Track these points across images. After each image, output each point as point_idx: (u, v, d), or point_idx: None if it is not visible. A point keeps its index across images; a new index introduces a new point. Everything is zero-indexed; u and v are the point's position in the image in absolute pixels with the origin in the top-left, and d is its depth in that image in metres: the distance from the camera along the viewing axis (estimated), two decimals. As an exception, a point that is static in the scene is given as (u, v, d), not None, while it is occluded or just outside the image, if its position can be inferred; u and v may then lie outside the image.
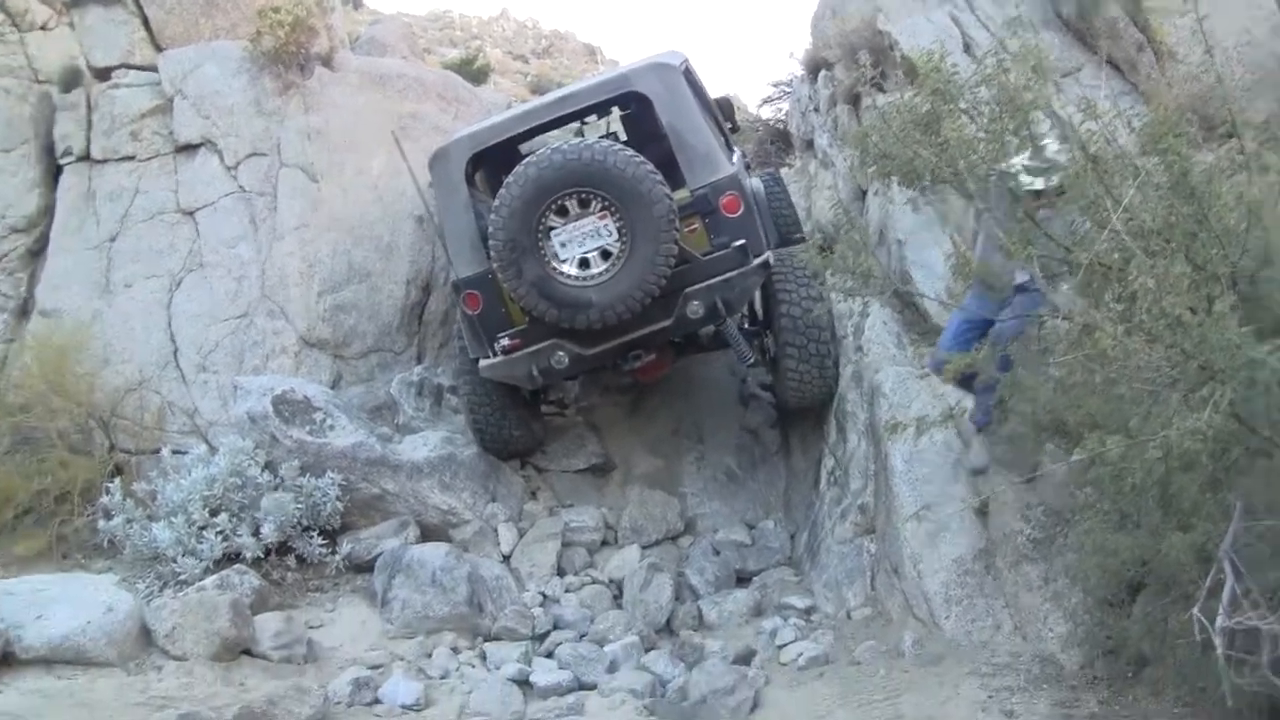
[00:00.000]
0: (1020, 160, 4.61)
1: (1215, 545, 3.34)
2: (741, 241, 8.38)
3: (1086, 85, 8.72)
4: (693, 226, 8.45)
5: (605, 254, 8.11)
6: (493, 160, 9.67)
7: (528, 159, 8.20)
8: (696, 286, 8.35)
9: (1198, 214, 3.01)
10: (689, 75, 9.26)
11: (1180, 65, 8.19)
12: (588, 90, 9.11)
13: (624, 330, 8.42)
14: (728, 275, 8.35)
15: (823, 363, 8.99)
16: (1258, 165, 3.18)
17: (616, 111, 11.06)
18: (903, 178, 3.62)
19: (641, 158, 8.09)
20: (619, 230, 8.04)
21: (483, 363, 8.83)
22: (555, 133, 10.07)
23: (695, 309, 8.36)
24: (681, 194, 8.39)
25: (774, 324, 9.14)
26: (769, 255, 8.75)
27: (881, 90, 10.33)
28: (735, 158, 9.42)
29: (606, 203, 8.02)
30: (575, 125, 10.67)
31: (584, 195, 8.04)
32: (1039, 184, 4.66)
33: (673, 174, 8.44)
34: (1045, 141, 4.52)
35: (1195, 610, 3.11)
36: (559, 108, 9.03)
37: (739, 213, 8.47)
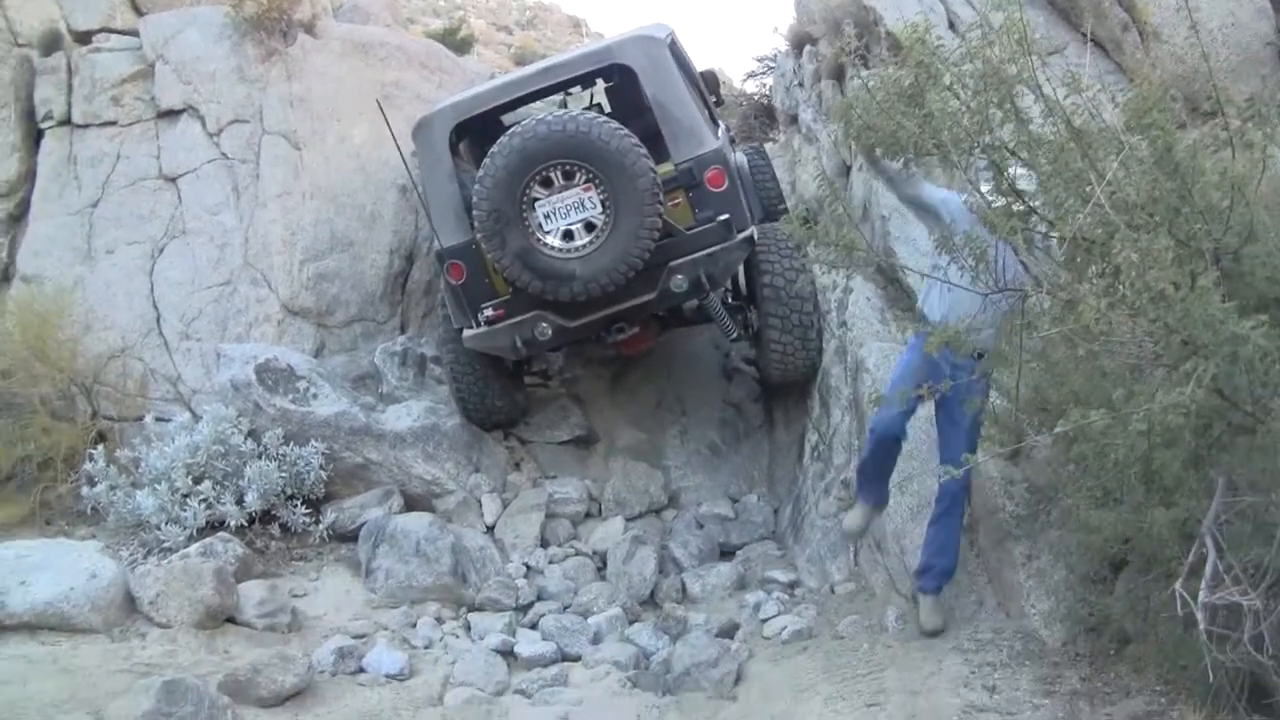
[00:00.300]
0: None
1: (1197, 521, 3.35)
2: (726, 216, 8.37)
3: (1071, 64, 8.70)
4: (676, 200, 8.44)
5: (589, 226, 8.10)
6: (476, 130, 9.63)
7: (512, 130, 8.17)
8: (680, 260, 8.35)
9: (1181, 189, 3.00)
10: (674, 48, 9.22)
11: (1165, 45, 8.18)
12: (572, 61, 9.07)
13: (608, 303, 8.42)
14: (712, 249, 8.34)
15: (806, 335, 9.00)
16: (1241, 142, 3.17)
17: (601, 83, 11.02)
18: (886, 150, 3.61)
19: (626, 130, 8.07)
20: (603, 203, 8.03)
21: (466, 333, 8.82)
22: (539, 104, 10.02)
23: (679, 283, 8.36)
24: (666, 167, 8.37)
25: (757, 298, 9.14)
26: (753, 230, 8.75)
27: (866, 65, 10.29)
28: (720, 132, 9.40)
29: (591, 175, 8.00)
30: (559, 97, 10.63)
31: (568, 167, 8.02)
32: None
33: (657, 147, 8.42)
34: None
35: (1177, 586, 3.12)
36: (543, 79, 9.00)
37: (723, 187, 8.46)
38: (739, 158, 9.84)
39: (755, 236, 8.77)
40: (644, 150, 8.01)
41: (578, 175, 8.04)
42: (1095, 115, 3.21)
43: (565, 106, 10.94)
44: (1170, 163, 2.97)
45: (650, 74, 8.61)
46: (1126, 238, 2.73)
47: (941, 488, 6.06)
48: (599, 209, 8.06)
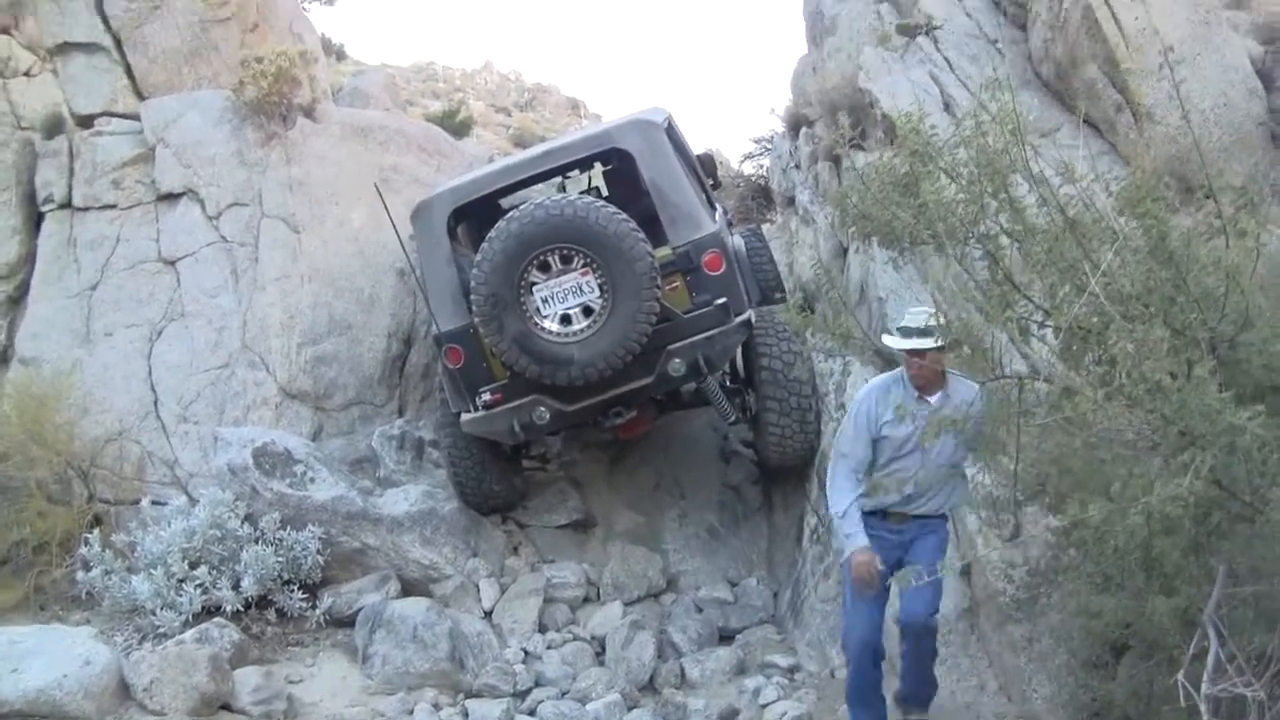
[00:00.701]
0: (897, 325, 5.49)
1: (1199, 609, 3.33)
2: (723, 300, 8.41)
3: (1064, 145, 8.74)
4: (674, 284, 8.46)
5: (587, 310, 8.12)
6: (475, 214, 9.67)
7: (510, 214, 8.21)
8: (678, 344, 8.36)
9: (1176, 278, 3.01)
10: (671, 132, 9.29)
11: (1158, 126, 8.24)
12: (570, 146, 9.15)
13: (605, 387, 8.43)
14: (709, 333, 8.36)
15: (804, 418, 8.98)
16: (1235, 230, 3.19)
17: (599, 166, 11.08)
18: (882, 238, 3.62)
19: (624, 215, 8.12)
20: (601, 287, 8.06)
21: (464, 417, 8.82)
22: (538, 187, 10.08)
23: (677, 366, 8.36)
24: (663, 251, 8.41)
25: (755, 381, 9.15)
26: (750, 313, 8.78)
27: (862, 149, 10.36)
28: (717, 215, 9.45)
29: (589, 259, 8.04)
30: (558, 180, 10.69)
31: (566, 251, 8.06)
32: (922, 344, 5.33)
33: (655, 231, 8.47)
34: (917, 310, 5.32)
35: (1180, 676, 3.09)
36: (542, 163, 9.07)
37: (721, 270, 8.49)
38: (736, 241, 9.88)
39: (753, 320, 8.79)
40: (641, 234, 8.05)
41: (575, 259, 8.07)
42: (1089, 205, 3.22)
43: (563, 190, 11.00)
44: (1164, 251, 2.98)
45: (647, 158, 8.67)
46: (1122, 329, 2.73)
47: (904, 626, 6.00)
48: (597, 293, 8.08)
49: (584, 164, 9.95)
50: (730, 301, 8.45)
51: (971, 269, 3.40)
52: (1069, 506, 3.16)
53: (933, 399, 5.72)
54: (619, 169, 10.59)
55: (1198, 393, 2.70)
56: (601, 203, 8.21)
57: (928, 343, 5.38)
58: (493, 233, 8.17)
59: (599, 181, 11.89)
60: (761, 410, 9.10)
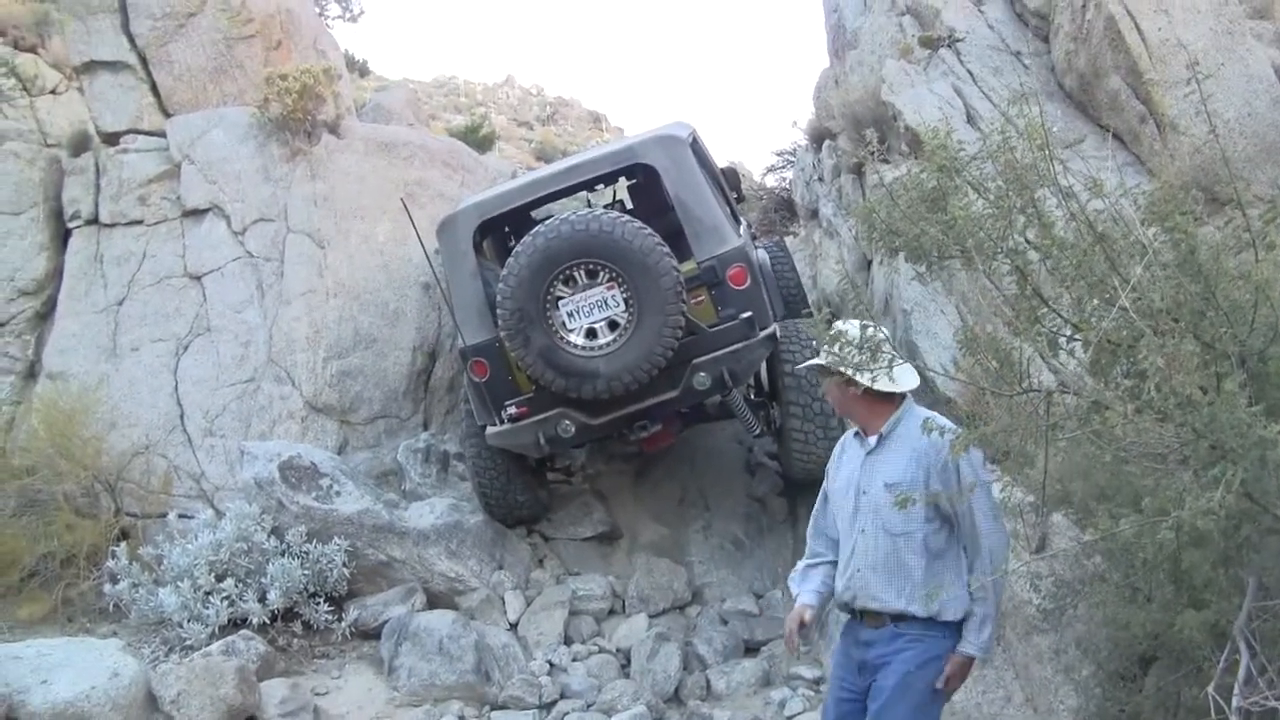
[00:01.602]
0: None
1: (1229, 622, 3.33)
2: (748, 314, 8.43)
3: (1089, 157, 8.77)
4: (699, 298, 8.51)
5: (612, 324, 8.16)
6: (500, 228, 9.72)
7: (536, 229, 8.25)
8: (703, 358, 8.39)
9: (1205, 292, 3.02)
10: (696, 146, 9.31)
11: (1183, 136, 8.24)
12: (595, 161, 9.18)
13: (630, 400, 8.45)
14: (734, 347, 8.38)
15: (827, 424, 8.98)
16: (1263, 243, 3.20)
17: (624, 180, 11.12)
18: (909, 253, 3.64)
19: (649, 229, 8.15)
20: (626, 301, 8.10)
21: (490, 430, 8.85)
22: (563, 201, 10.12)
23: (702, 380, 8.39)
24: (688, 266, 8.46)
25: (779, 394, 9.16)
26: (775, 327, 8.81)
27: (886, 162, 10.39)
28: (741, 229, 9.47)
29: (614, 273, 8.07)
30: (582, 194, 10.73)
31: (592, 266, 8.08)
32: (812, 363, 4.61)
33: (679, 245, 8.51)
34: (843, 327, 4.24)
35: (1210, 689, 3.10)
36: (567, 178, 9.10)
37: (746, 285, 8.52)
38: (761, 254, 9.90)
39: (777, 334, 8.82)
40: (667, 249, 8.09)
41: (601, 274, 8.10)
42: (1118, 219, 3.24)
43: (589, 204, 11.05)
44: (1193, 265, 2.99)
45: (672, 173, 8.70)
46: (1152, 343, 2.74)
47: None
48: (622, 307, 8.12)
49: (609, 179, 9.96)
50: (755, 315, 8.47)
51: (999, 283, 3.41)
52: (1099, 520, 3.17)
53: (871, 439, 4.67)
54: (644, 183, 10.63)
55: (1228, 406, 2.71)
56: (627, 218, 8.23)
57: (817, 363, 4.59)
58: (519, 247, 8.20)
59: (624, 194, 11.94)
60: (785, 424, 9.11)
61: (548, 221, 8.26)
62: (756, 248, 9.95)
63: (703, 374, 8.39)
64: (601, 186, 10.60)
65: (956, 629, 4.55)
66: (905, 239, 3.57)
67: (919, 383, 4.57)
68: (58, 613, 9.06)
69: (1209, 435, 2.79)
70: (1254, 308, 3.09)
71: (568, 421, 8.55)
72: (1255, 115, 8.28)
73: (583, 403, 8.43)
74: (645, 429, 8.92)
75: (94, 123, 12.54)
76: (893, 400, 4.58)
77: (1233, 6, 8.82)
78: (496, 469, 9.33)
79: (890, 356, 4.20)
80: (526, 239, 8.20)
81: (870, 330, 4.09)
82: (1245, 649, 3.21)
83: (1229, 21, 8.71)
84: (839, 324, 4.26)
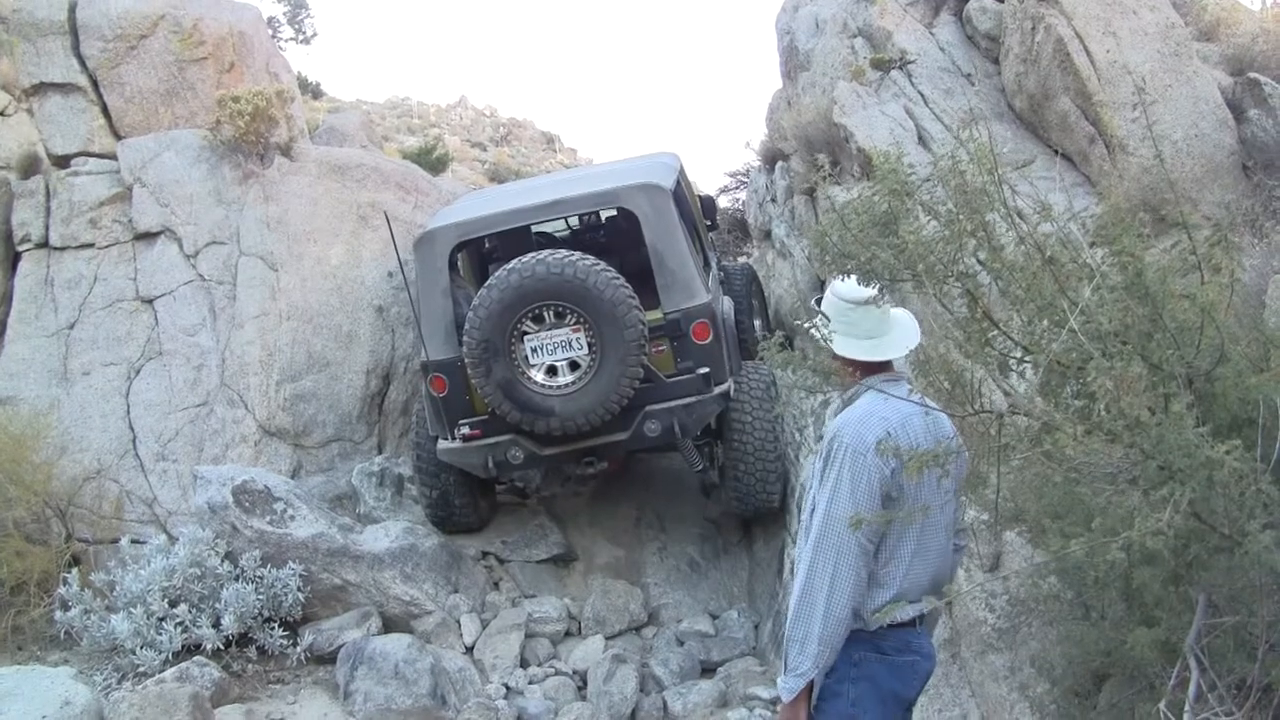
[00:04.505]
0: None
1: (1180, 639, 3.36)
2: (705, 370, 8.69)
3: (1039, 178, 8.86)
4: (660, 348, 8.73)
5: (574, 365, 8.40)
6: (475, 248, 9.87)
7: (511, 265, 8.39)
8: (657, 406, 8.65)
9: (1152, 314, 3.06)
10: (678, 189, 9.57)
11: (1131, 158, 8.33)
12: (578, 199, 9.36)
13: (582, 437, 8.68)
14: (688, 400, 8.66)
15: (766, 478, 9.23)
16: (1209, 265, 3.24)
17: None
18: (861, 276, 3.66)
19: (621, 280, 8.35)
20: (590, 345, 8.32)
21: (441, 444, 9.04)
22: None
23: (653, 428, 8.68)
24: (654, 315, 8.65)
25: (725, 438, 9.33)
26: (730, 384, 9.01)
27: (838, 183, 10.45)
28: (711, 279, 9.65)
29: (581, 318, 8.29)
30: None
31: (561, 308, 8.28)
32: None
33: (648, 285, 8.73)
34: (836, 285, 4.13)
35: (1162, 705, 3.13)
36: (548, 211, 9.40)
37: (707, 340, 8.75)
38: (725, 306, 10.00)
39: (731, 391, 9.01)
40: (636, 302, 8.31)
41: (569, 316, 8.32)
42: (1066, 243, 3.28)
43: (568, 225, 11.81)
44: (1140, 288, 3.03)
45: (652, 222, 8.86)
46: (1101, 365, 2.77)
47: None
48: (585, 350, 8.34)
49: (588, 214, 10.44)
50: (712, 371, 8.74)
51: (950, 305, 3.44)
52: (1050, 540, 3.20)
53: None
54: (622, 221, 10.77)
55: (1176, 427, 2.75)
56: (602, 265, 8.42)
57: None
58: (492, 280, 8.39)
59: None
60: (727, 466, 9.36)
61: (524, 259, 8.40)
62: (722, 300, 10.01)
63: (654, 422, 8.66)
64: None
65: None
66: (857, 262, 3.59)
67: (895, 355, 4.21)
68: (8, 641, 8.98)
69: (1157, 456, 2.82)
70: (1200, 329, 3.13)
71: (517, 450, 8.76)
72: (1202, 136, 8.38)
73: (534, 434, 8.60)
74: (592, 465, 9.15)
75: (44, 145, 12.43)
76: (860, 371, 4.21)
77: (1179, 29, 8.93)
78: (440, 478, 9.53)
79: (849, 318, 4.11)
80: (501, 273, 8.37)
81: (856, 290, 3.96)
82: (1195, 666, 3.24)
83: (1176, 44, 8.82)
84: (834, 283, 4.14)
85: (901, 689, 4.19)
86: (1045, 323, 3.17)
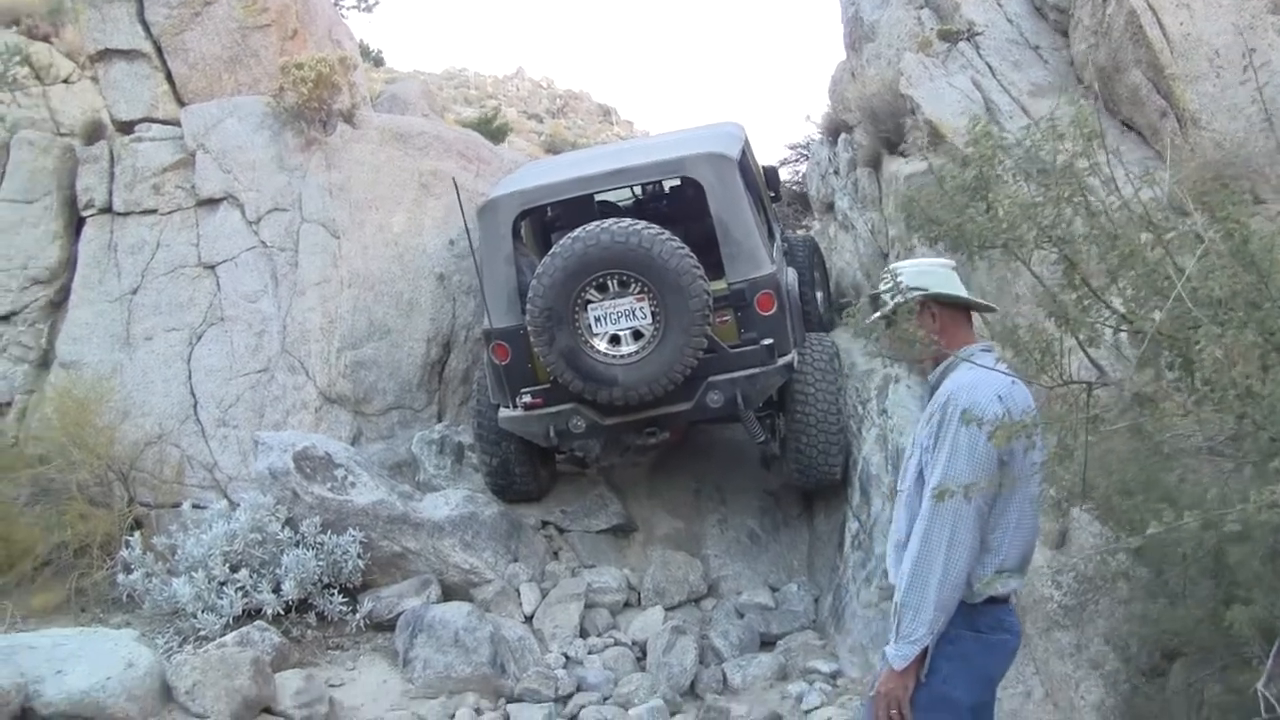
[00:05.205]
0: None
1: (1276, 618, 3.30)
2: (770, 341, 8.61)
3: (1110, 152, 8.71)
4: (724, 318, 8.66)
5: (637, 334, 8.35)
6: (539, 216, 9.84)
7: (576, 233, 8.35)
8: (720, 377, 8.57)
9: (1258, 282, 2.99)
10: (744, 160, 9.48)
11: (1204, 131, 8.18)
12: (644, 168, 9.36)
13: (643, 407, 8.64)
14: (751, 371, 8.58)
15: (828, 451, 9.18)
16: (1312, 233, 3.17)
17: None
18: (950, 243, 3.60)
19: (686, 249, 8.28)
20: (653, 314, 8.26)
21: (502, 412, 9.04)
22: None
23: (715, 399, 8.61)
24: (719, 285, 8.57)
25: (787, 409, 9.28)
26: (794, 354, 8.94)
27: (903, 156, 10.34)
28: (775, 250, 9.60)
29: (645, 287, 8.23)
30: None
31: (625, 277, 8.24)
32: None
33: (713, 255, 8.66)
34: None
35: (1259, 685, 3.06)
36: (613, 180, 9.41)
37: (771, 311, 8.67)
38: (790, 277, 9.90)
39: (795, 363, 8.95)
40: (701, 271, 8.24)
41: (633, 285, 8.26)
42: (1169, 209, 3.21)
43: (634, 193, 11.75)
44: (1247, 255, 2.96)
45: (717, 192, 8.79)
46: (1210, 333, 2.70)
47: None
48: (649, 319, 8.28)
49: (652, 184, 10.38)
50: (776, 343, 8.65)
51: (1043, 273, 3.38)
52: (1130, 516, 3.14)
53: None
54: (688, 189, 10.71)
55: (1286, 397, 2.68)
56: (667, 234, 8.35)
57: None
58: (556, 248, 8.35)
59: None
60: (789, 438, 9.30)
61: (589, 227, 8.36)
62: (786, 271, 9.92)
63: (717, 393, 8.59)
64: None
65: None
66: (946, 228, 3.53)
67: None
68: (71, 603, 9.06)
69: (1269, 427, 2.75)
70: (1308, 297, 3.06)
71: (579, 419, 8.72)
72: (1276, 110, 8.22)
73: (596, 403, 8.55)
74: (654, 435, 9.10)
75: (108, 111, 12.49)
76: (944, 338, 4.10)
77: (1254, 1, 8.76)
78: (501, 445, 9.52)
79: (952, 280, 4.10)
80: (565, 241, 8.34)
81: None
82: (1294, 644, 3.18)
83: (1250, 16, 8.66)
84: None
85: (993, 667, 4.21)
86: (1145, 291, 3.10)
